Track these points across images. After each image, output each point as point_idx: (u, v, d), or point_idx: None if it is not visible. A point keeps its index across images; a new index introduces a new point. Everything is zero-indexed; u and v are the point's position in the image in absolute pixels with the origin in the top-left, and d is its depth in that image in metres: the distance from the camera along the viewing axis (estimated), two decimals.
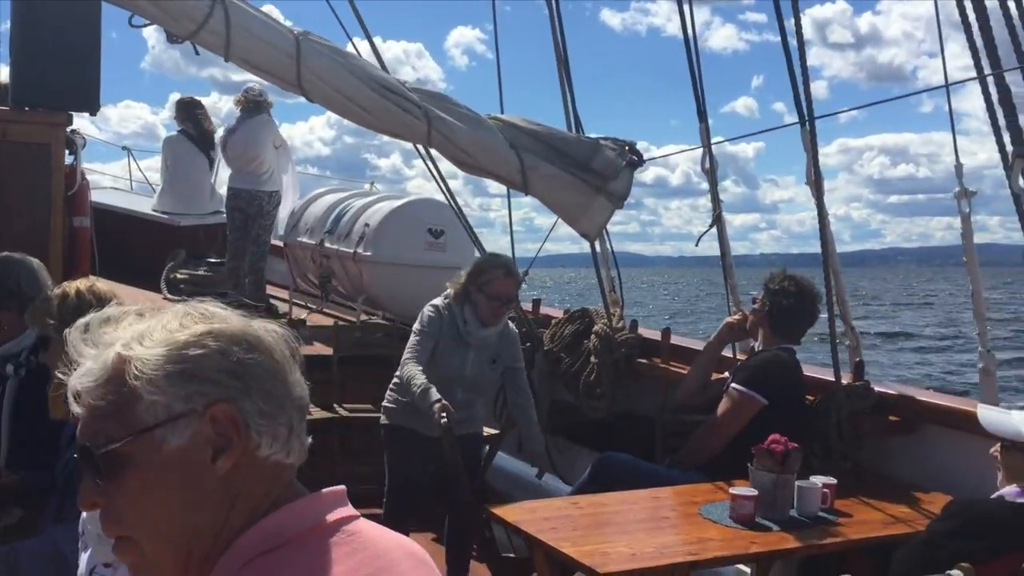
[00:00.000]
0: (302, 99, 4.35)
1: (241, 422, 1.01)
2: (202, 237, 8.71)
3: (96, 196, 8.90)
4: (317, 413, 5.77)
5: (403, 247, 6.81)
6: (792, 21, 4.13)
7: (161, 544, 1.01)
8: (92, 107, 5.56)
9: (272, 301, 7.52)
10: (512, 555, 4.10)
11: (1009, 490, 2.67)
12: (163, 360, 1.00)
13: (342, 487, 1.09)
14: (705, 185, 4.95)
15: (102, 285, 2.74)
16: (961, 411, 3.63)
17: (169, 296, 7.29)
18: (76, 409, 1.03)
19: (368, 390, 5.59)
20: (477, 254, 6.37)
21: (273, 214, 7.45)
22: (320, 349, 6.21)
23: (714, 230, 4.93)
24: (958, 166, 4.05)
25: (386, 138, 4.68)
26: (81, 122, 7.49)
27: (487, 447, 4.89)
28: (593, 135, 5.04)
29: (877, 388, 4.10)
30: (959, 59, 4.19)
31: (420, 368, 4.06)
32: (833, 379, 4.10)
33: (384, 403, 4.41)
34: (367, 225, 6.88)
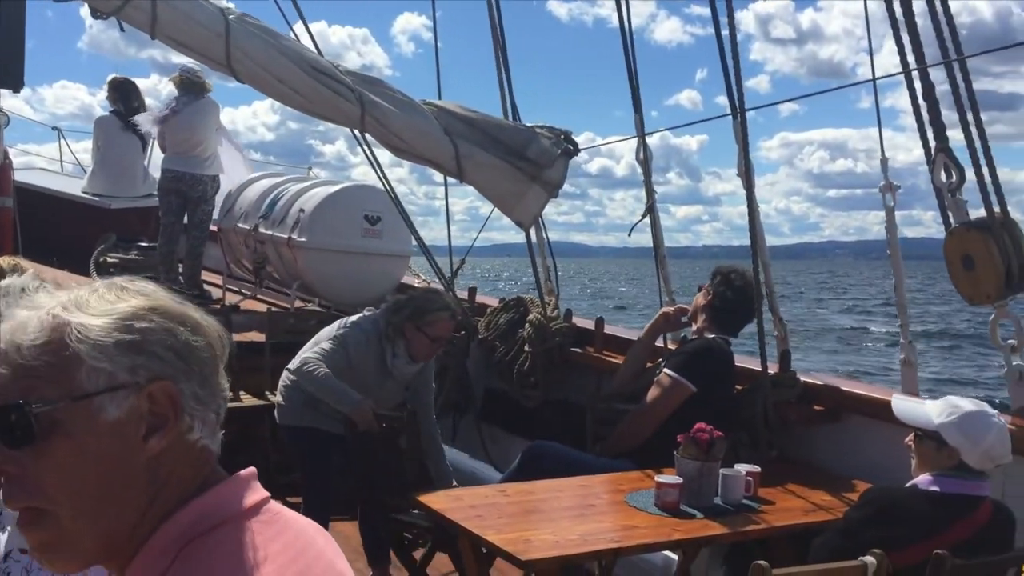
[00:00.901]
0: None
1: (179, 403, 1.00)
2: (134, 220, 8.52)
3: (24, 177, 8.66)
4: (248, 400, 5.70)
5: (339, 233, 6.73)
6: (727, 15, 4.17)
7: (84, 520, 0.97)
8: (15, 84, 5.39)
9: (205, 287, 7.39)
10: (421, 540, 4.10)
11: (922, 479, 2.72)
12: (111, 328, 0.98)
13: (253, 468, 1.08)
14: None
15: (26, 264, 2.64)
16: (881, 401, 3.70)
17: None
18: None
19: None
20: (414, 243, 6.34)
21: (214, 200, 7.32)
22: (253, 335, 6.12)
23: (648, 220, 4.96)
24: (883, 160, 4.13)
25: (331, 124, 4.60)
26: (8, 101, 7.25)
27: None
28: (529, 123, 5.02)
29: (803, 378, 4.17)
30: (897, 56, 4.25)
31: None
32: (760, 368, 4.15)
33: (279, 402, 4.32)
34: (302, 211, 6.78)
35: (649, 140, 4.91)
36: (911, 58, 3.61)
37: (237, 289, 7.58)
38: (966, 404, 2.69)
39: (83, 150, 11.32)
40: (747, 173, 4.15)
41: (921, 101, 3.55)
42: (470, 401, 5.82)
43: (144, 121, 7.49)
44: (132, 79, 8.79)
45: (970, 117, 3.48)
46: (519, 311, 5.73)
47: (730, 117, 4.20)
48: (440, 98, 5.39)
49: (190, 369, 1.01)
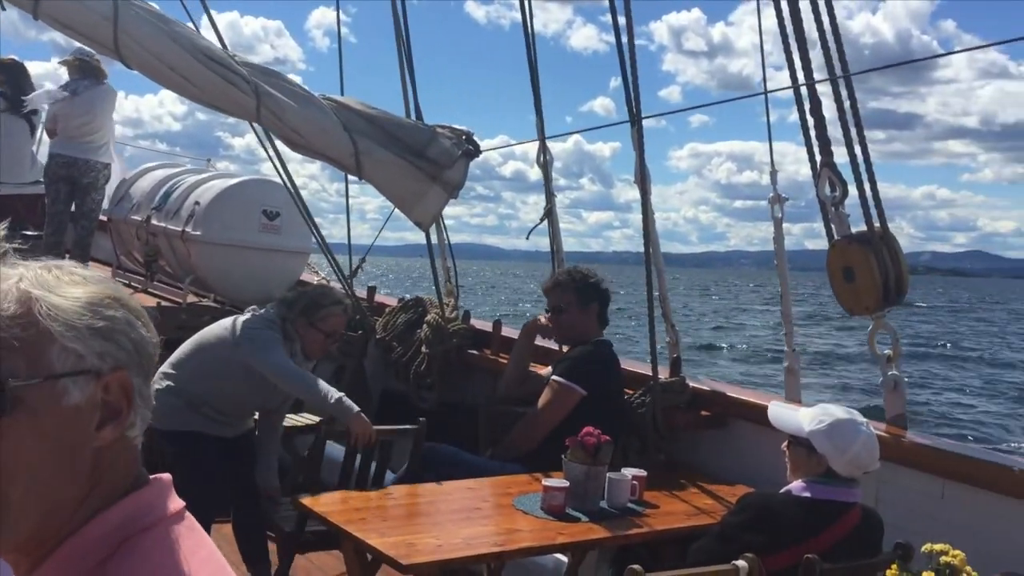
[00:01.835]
0: None
1: (132, 396, 0.97)
2: (19, 207, 8.15)
3: None
4: None
5: (236, 227, 6.56)
6: (631, 26, 4.21)
7: (31, 500, 0.93)
8: None
9: None
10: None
11: (795, 485, 2.79)
12: (84, 310, 0.94)
13: (169, 475, 1.06)
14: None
15: None
16: (764, 407, 3.79)
17: None
18: None
19: None
20: (314, 241, 6.22)
21: (104, 189, 7.05)
22: None
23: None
24: (773, 172, 4.24)
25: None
26: None
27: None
28: (432, 124, 4.98)
29: (692, 384, 4.24)
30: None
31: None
32: (651, 374, 4.21)
33: (158, 408, 4.10)
34: (198, 203, 6.60)
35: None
36: (801, 74, 3.70)
37: (127, 282, 7.32)
38: (837, 412, 2.76)
39: None
40: (642, 180, 4.20)
41: (809, 117, 3.65)
42: (367, 402, 5.73)
43: (38, 99, 7.17)
44: (22, 61, 8.42)
45: (854, 133, 3.59)
46: (417, 311, 5.69)
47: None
48: (343, 95, 5.32)
49: (142, 364, 0.99)
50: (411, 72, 5.46)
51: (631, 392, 4.26)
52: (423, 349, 5.40)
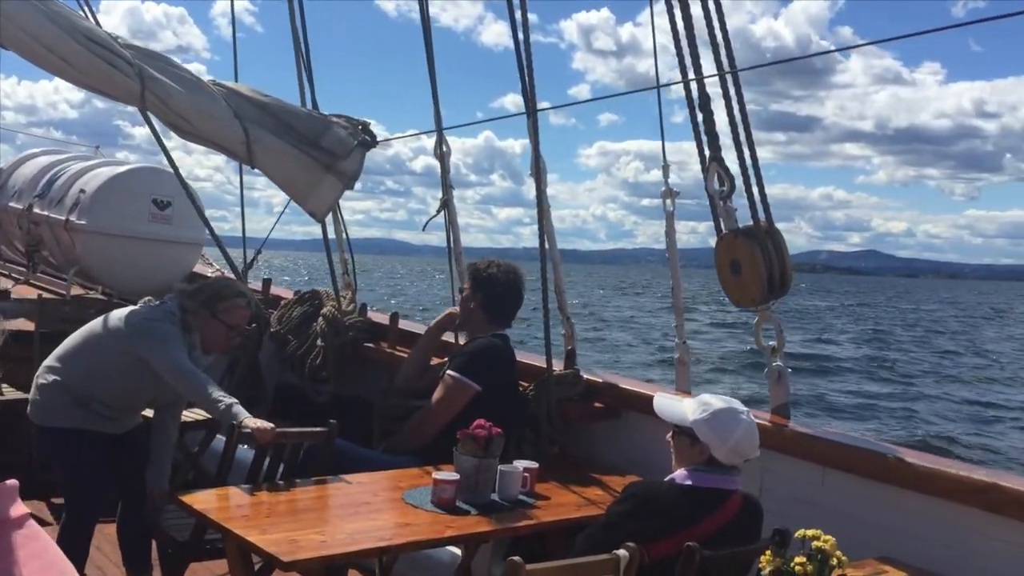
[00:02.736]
0: None
1: None
2: None
3: None
4: (10, 393, 5.27)
5: (123, 217, 6.33)
6: (526, 19, 4.21)
7: None
8: None
9: None
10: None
11: (678, 473, 2.83)
12: None
13: (16, 482, 1.02)
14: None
15: None
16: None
17: None
18: None
19: None
20: (206, 232, 6.05)
21: None
22: (21, 324, 5.66)
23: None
24: (665, 167, 4.30)
25: None
26: None
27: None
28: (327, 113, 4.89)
29: (585, 376, 4.27)
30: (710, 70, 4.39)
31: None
32: (545, 366, 4.22)
33: (36, 400, 3.89)
34: (83, 191, 6.34)
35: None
36: (691, 71, 3.75)
37: (7, 273, 7.01)
38: (717, 402, 2.81)
39: None
40: (537, 171, 4.21)
41: (698, 112, 3.70)
42: (261, 395, 5.61)
43: None
44: None
45: (741, 130, 3.66)
46: (313, 304, 5.59)
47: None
48: (237, 81, 5.17)
49: None
50: (307, 61, 5.36)
51: (526, 385, 4.26)
52: (318, 342, 5.30)
